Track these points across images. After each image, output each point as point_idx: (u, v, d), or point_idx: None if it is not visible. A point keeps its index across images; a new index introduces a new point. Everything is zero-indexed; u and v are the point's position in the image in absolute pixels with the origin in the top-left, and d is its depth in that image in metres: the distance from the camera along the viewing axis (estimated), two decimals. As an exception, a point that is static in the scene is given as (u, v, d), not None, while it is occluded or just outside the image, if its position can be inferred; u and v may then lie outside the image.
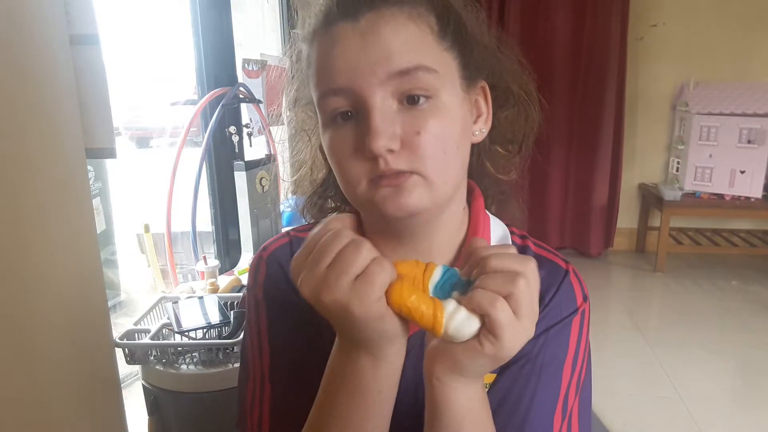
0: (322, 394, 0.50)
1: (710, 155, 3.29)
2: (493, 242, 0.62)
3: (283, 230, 0.67)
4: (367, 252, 0.42)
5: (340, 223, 0.46)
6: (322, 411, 0.49)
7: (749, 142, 3.22)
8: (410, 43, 0.48)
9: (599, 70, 3.33)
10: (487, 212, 0.65)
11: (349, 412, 0.47)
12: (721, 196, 3.30)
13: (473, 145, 0.59)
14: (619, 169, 3.50)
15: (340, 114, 0.50)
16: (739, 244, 3.44)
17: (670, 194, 3.25)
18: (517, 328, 0.41)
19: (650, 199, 3.53)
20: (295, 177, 0.67)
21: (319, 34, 0.51)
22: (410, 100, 0.49)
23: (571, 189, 3.57)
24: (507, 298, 0.41)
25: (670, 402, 2.05)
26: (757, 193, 3.24)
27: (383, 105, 0.48)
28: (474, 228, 0.61)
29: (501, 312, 0.40)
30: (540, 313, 0.54)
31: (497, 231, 0.64)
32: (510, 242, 0.63)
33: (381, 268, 0.42)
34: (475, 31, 0.56)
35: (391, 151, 0.48)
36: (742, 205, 3.26)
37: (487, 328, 0.41)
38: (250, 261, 0.66)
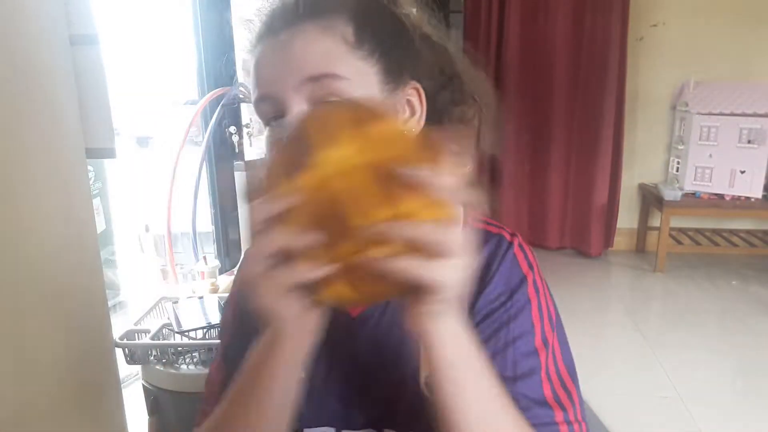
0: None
1: (710, 155, 3.29)
2: None
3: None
4: (279, 239, 0.40)
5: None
6: (232, 386, 0.53)
7: (749, 142, 3.22)
8: (320, 54, 0.53)
9: (599, 70, 3.33)
10: None
11: (247, 389, 0.50)
12: (721, 196, 3.30)
13: None
14: (619, 169, 3.50)
15: (272, 118, 0.56)
16: (739, 244, 3.44)
17: (670, 194, 3.25)
18: (450, 270, 0.41)
19: (650, 199, 3.53)
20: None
21: (254, 47, 0.58)
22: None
23: (571, 189, 3.57)
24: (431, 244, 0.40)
25: (670, 402, 2.05)
26: (757, 193, 3.24)
27: (298, 109, 0.53)
28: None
29: (425, 269, 0.40)
30: (489, 285, 0.59)
31: None
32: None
33: (285, 269, 0.41)
34: (407, 37, 0.59)
35: None
36: (742, 205, 3.26)
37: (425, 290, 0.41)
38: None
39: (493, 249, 0.61)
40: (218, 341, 1.21)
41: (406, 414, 0.58)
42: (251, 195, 0.42)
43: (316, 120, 0.42)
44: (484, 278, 0.60)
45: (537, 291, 0.61)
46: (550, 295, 0.62)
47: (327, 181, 0.39)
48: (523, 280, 0.60)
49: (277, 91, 0.54)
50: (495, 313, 0.59)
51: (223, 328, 0.66)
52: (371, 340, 0.61)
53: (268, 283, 0.42)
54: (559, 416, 0.57)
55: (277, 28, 0.55)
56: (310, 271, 0.40)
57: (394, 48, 0.57)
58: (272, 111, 0.55)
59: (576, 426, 0.58)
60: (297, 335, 0.47)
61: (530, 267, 0.62)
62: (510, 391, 0.52)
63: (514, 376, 0.56)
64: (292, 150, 0.41)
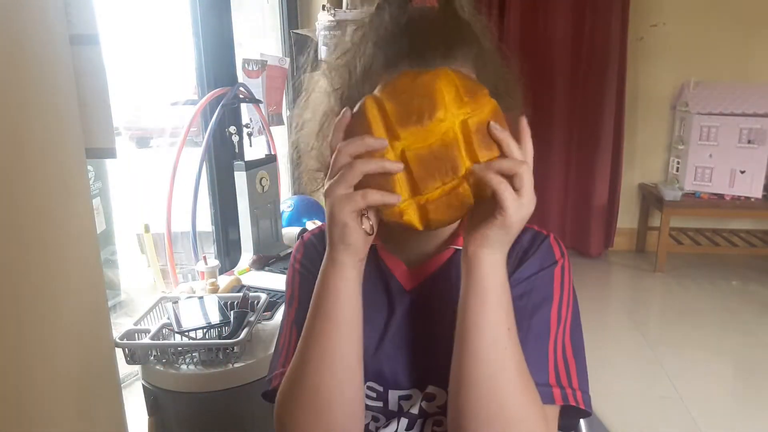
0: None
1: (710, 155, 3.29)
2: None
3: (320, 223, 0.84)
4: (349, 150, 0.53)
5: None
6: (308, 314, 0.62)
7: (749, 142, 3.22)
8: None
9: (599, 70, 3.33)
10: None
11: (317, 312, 0.60)
12: (721, 196, 3.30)
13: None
14: (619, 169, 3.50)
15: None
16: (739, 244, 3.44)
17: (670, 194, 3.25)
18: (519, 203, 0.52)
19: (650, 199, 3.53)
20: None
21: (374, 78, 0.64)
22: None
23: (571, 189, 3.57)
24: (512, 177, 0.52)
25: (670, 402, 2.05)
26: (757, 193, 3.24)
27: None
28: None
29: (506, 191, 0.51)
30: (525, 263, 0.68)
31: None
32: None
33: (351, 170, 0.52)
34: (499, 70, 0.69)
35: None
36: (742, 205, 3.26)
37: (496, 201, 0.52)
38: (295, 245, 0.81)
39: (532, 238, 0.71)
40: (229, 342, 1.22)
41: (442, 373, 0.66)
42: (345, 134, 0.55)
43: (443, 81, 0.53)
44: (522, 259, 0.69)
45: (563, 273, 0.69)
46: (571, 282, 0.70)
47: (446, 130, 0.51)
48: (555, 263, 0.69)
49: None
50: (524, 282, 0.67)
51: (289, 303, 0.76)
52: (420, 312, 0.70)
53: (348, 202, 0.53)
54: (552, 379, 0.62)
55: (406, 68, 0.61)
56: (384, 197, 0.52)
57: (497, 87, 0.64)
58: None
59: (569, 390, 0.62)
60: (355, 252, 0.57)
61: (562, 255, 0.70)
62: None
63: (525, 338, 0.61)
64: (408, 101, 0.52)
